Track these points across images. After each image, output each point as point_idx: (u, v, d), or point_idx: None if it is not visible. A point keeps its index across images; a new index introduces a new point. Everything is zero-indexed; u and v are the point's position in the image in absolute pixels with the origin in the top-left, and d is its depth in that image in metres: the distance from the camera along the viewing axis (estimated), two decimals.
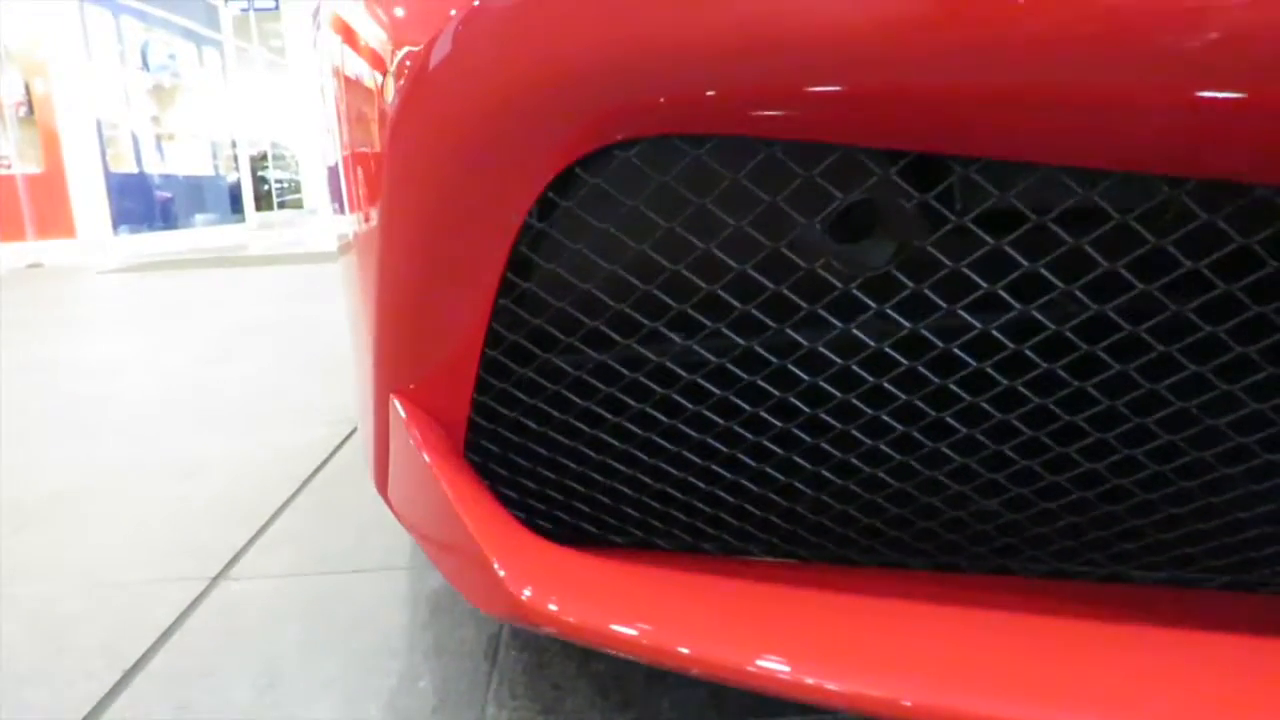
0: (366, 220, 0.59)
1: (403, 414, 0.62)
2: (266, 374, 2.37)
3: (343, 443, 1.70)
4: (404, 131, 0.51)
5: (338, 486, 1.48)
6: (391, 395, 0.63)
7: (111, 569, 1.20)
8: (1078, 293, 0.48)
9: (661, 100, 0.44)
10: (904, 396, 0.55)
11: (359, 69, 0.58)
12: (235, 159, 12.41)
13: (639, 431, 0.61)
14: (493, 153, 0.49)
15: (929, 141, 0.44)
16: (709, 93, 0.43)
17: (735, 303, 0.52)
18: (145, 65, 10.00)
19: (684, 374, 0.57)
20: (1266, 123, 0.38)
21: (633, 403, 0.60)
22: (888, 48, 0.40)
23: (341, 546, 1.24)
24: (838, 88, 0.42)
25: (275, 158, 16.51)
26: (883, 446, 0.57)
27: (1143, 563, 0.61)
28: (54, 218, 7.88)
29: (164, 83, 10.44)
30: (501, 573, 0.52)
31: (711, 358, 0.56)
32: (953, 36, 0.39)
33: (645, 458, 0.63)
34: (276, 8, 11.89)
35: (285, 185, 17.18)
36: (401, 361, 0.62)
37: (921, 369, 0.53)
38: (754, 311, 0.52)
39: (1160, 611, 0.59)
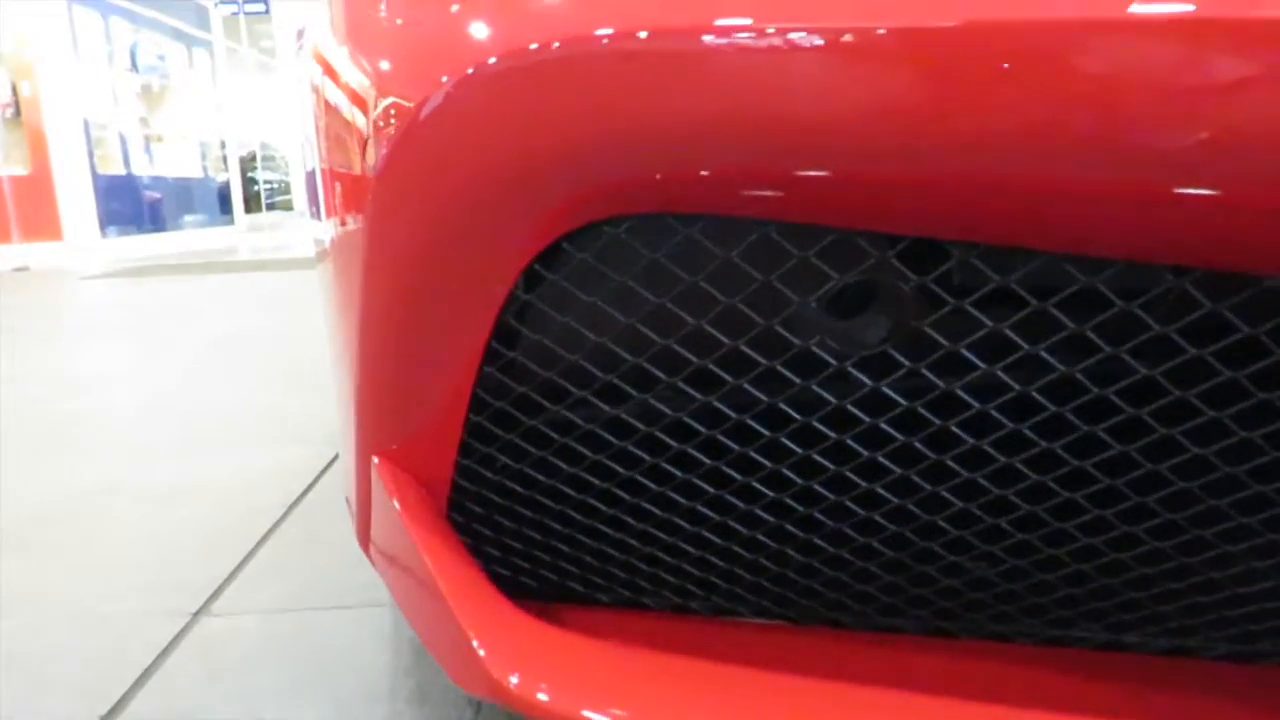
0: (347, 276, 0.58)
1: (384, 479, 0.61)
2: (253, 388, 2.34)
3: (328, 465, 1.68)
4: (387, 196, 0.50)
5: (321, 514, 1.46)
6: (373, 457, 0.62)
7: (93, 601, 1.18)
8: (1078, 375, 0.47)
9: (657, 178, 0.43)
10: (899, 470, 0.53)
11: (341, 119, 0.56)
12: (224, 160, 12.35)
13: (627, 497, 0.60)
14: (478, 225, 0.48)
15: (926, 228, 0.42)
16: (703, 173, 0.42)
17: (726, 376, 0.51)
18: (134, 66, 9.94)
19: (673, 443, 0.56)
20: (1265, 220, 0.37)
21: (620, 470, 0.58)
22: (881, 137, 0.38)
23: (324, 580, 1.22)
24: (832, 173, 0.40)
25: (264, 159, 16.43)
26: (877, 517, 0.56)
27: (1141, 632, 0.60)
28: (40, 220, 7.81)
29: (153, 84, 10.38)
30: (481, 652, 0.50)
31: (701, 428, 0.54)
32: (946, 128, 0.38)
33: (633, 522, 0.61)
34: (267, 11, 11.82)
35: (274, 186, 17.11)
36: (384, 424, 0.60)
37: (918, 444, 0.52)
38: (746, 386, 0.51)
39: (1158, 680, 0.58)
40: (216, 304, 4.30)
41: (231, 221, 12.26)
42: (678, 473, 0.57)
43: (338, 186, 0.59)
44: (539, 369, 0.54)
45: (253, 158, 15.46)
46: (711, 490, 0.57)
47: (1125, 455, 0.49)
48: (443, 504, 0.63)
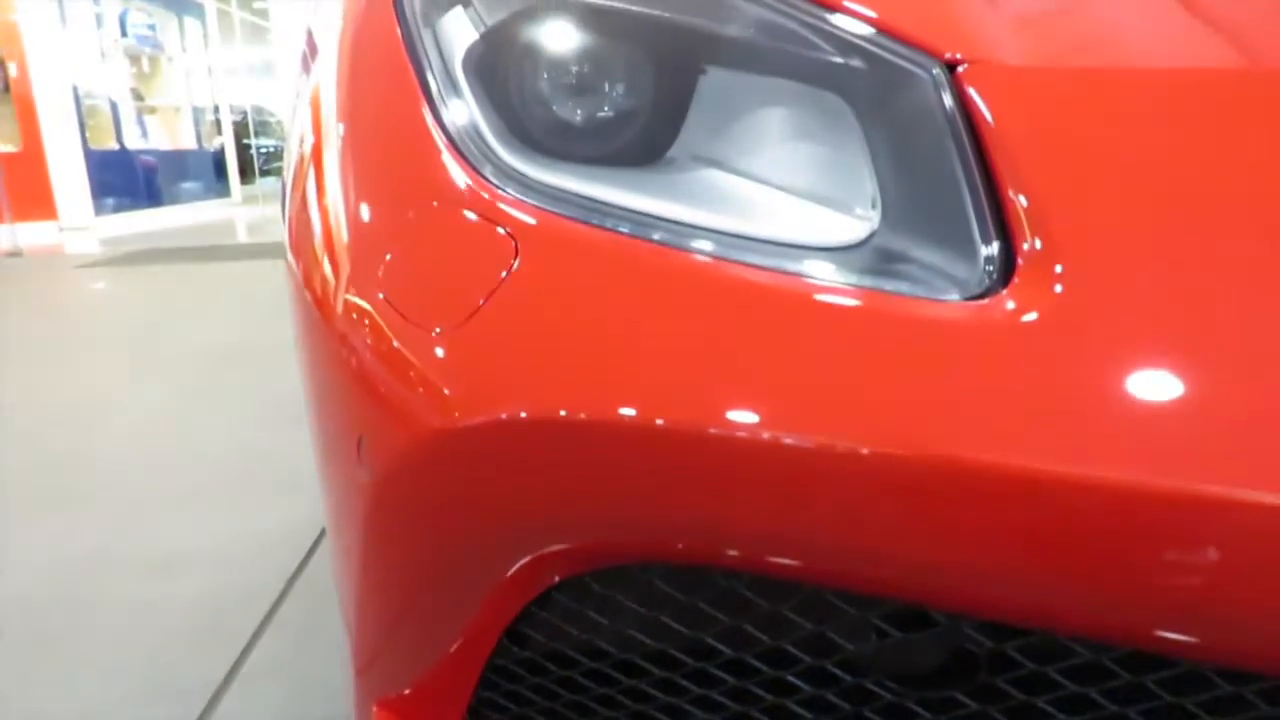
0: (345, 514, 0.53)
1: None
2: (251, 426, 2.24)
3: (324, 531, 1.62)
4: (390, 512, 0.45)
5: (320, 589, 1.41)
6: (373, 707, 0.58)
7: (77, 715, 1.12)
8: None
9: (679, 547, 0.38)
10: None
11: (335, 384, 0.51)
12: (218, 125, 12.15)
13: None
14: (497, 553, 0.43)
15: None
16: (729, 552, 0.37)
17: (762, 693, 0.46)
18: (124, 34, 9.73)
19: None
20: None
21: None
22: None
23: (326, 682, 1.17)
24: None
25: (258, 124, 16.18)
26: None
27: None
28: (34, 199, 7.67)
29: (144, 54, 10.19)
30: None
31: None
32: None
33: None
34: None
35: (269, 152, 16.89)
36: (384, 680, 0.56)
37: None
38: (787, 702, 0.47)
39: None
40: (218, 303, 4.21)
41: (228, 193, 12.08)
42: None
43: (334, 412, 0.54)
44: (556, 668, 0.49)
45: (245, 123, 15.21)
46: None
47: None
48: None
